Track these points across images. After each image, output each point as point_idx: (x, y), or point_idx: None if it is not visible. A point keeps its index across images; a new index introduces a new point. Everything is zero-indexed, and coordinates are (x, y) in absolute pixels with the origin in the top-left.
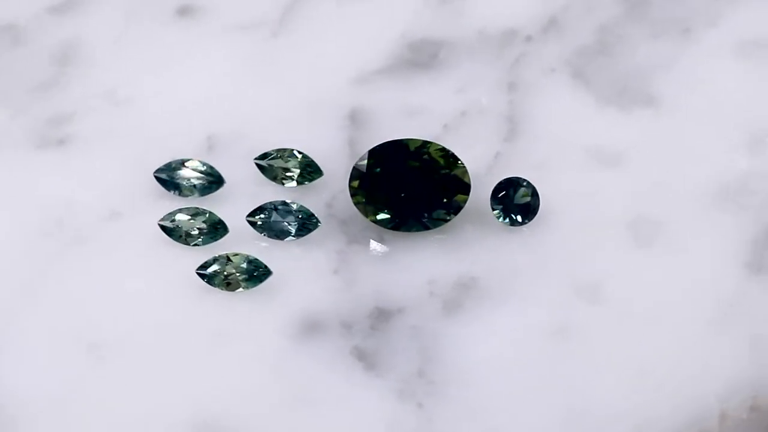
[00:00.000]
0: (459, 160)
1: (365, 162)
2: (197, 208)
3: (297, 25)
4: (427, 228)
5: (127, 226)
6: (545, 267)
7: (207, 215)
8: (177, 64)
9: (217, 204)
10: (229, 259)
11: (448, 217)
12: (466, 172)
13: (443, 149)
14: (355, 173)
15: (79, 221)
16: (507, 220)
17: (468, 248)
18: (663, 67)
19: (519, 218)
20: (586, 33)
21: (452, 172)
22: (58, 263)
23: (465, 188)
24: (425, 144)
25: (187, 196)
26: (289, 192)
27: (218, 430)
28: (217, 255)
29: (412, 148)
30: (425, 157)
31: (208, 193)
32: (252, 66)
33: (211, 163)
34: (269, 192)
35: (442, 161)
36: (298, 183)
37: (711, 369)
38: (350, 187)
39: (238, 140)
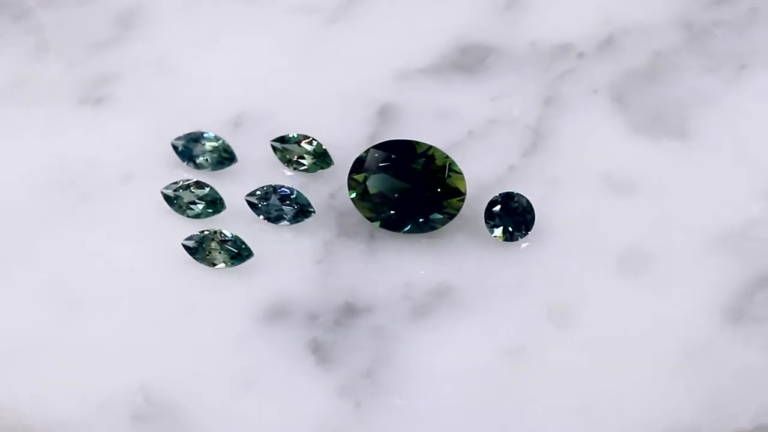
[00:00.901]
0: (459, 170)
1: (369, 156)
2: (200, 181)
3: (357, 15)
4: (417, 231)
5: (135, 191)
6: (524, 285)
7: (208, 189)
8: (230, 38)
9: (226, 179)
10: (215, 236)
11: (437, 224)
12: (463, 180)
13: (446, 156)
14: (357, 166)
15: (93, 180)
16: (499, 233)
17: (453, 256)
18: (706, 101)
19: (511, 233)
20: (640, 57)
21: (449, 180)
22: (60, 218)
23: (460, 196)
24: (430, 148)
25: (199, 168)
26: (298, 178)
27: (158, 398)
28: (206, 230)
29: (418, 150)
30: (427, 160)
31: (220, 168)
32: (302, 49)
33: (234, 140)
34: (278, 175)
35: (442, 167)
36: (309, 170)
37: (656, 416)
38: (349, 178)
39: (266, 120)
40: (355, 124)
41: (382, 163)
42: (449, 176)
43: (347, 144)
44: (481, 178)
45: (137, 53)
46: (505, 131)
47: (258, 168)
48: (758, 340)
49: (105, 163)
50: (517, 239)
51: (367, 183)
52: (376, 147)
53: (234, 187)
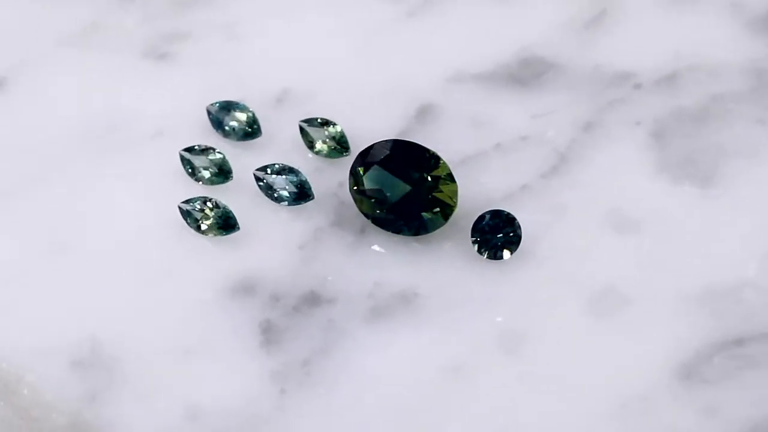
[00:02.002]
0: (454, 181)
1: (374, 150)
2: (214, 148)
3: (436, 12)
4: (406, 233)
5: (159, 149)
6: (488, 305)
7: (219, 158)
8: (304, 15)
9: (248, 151)
10: (206, 204)
11: (424, 229)
12: (455, 192)
13: (448, 168)
14: (361, 158)
15: (126, 131)
16: (482, 250)
17: (431, 264)
18: (745, 153)
19: (494, 251)
20: (696, 97)
21: (443, 186)
22: (79, 160)
23: (450, 206)
24: (436, 156)
25: (226, 137)
26: (315, 161)
27: (102, 351)
28: (203, 197)
29: (426, 155)
30: (428, 167)
31: (245, 140)
32: (369, 37)
33: (271, 115)
34: (297, 156)
35: (439, 176)
36: (327, 156)
37: None
38: (351, 170)
39: (307, 101)
40: (391, 118)
41: (384, 159)
42: (443, 184)
43: (375, 136)
44: (490, 192)
45: (212, 16)
46: (532, 150)
47: (282, 146)
48: (699, 403)
49: (143, 116)
50: (501, 258)
51: (365, 177)
52: (386, 143)
53: (252, 159)
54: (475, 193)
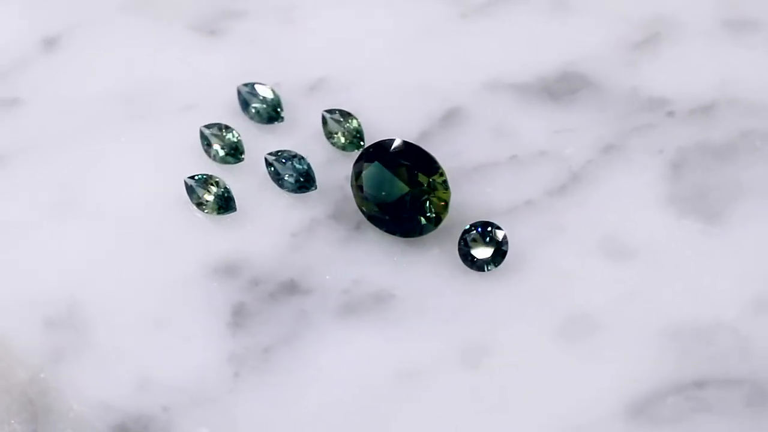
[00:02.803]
0: (448, 189)
1: (383, 148)
2: (231, 128)
3: (489, 17)
4: (396, 233)
5: (185, 123)
6: (459, 315)
7: (234, 138)
8: (361, 7)
9: (268, 134)
10: (208, 182)
11: (413, 233)
12: (447, 201)
13: (445, 181)
14: (365, 155)
15: (159, 102)
16: (467, 260)
17: (413, 267)
18: (758, 194)
19: (478, 263)
20: (726, 132)
21: (437, 196)
22: (107, 127)
23: (441, 215)
24: (438, 165)
25: (251, 119)
26: (329, 152)
27: (78, 313)
28: (209, 175)
29: (428, 160)
30: (427, 173)
31: (268, 123)
32: (418, 35)
33: (299, 102)
34: (315, 145)
35: (438, 182)
36: (341, 148)
37: None
38: (354, 164)
39: (339, 92)
40: (416, 118)
41: (386, 158)
42: (439, 191)
43: (397, 134)
44: (493, 203)
45: None
46: (547, 165)
47: (303, 134)
48: None
49: (179, 89)
50: (483, 270)
51: (364, 173)
52: (391, 142)
53: (270, 143)
54: (479, 202)
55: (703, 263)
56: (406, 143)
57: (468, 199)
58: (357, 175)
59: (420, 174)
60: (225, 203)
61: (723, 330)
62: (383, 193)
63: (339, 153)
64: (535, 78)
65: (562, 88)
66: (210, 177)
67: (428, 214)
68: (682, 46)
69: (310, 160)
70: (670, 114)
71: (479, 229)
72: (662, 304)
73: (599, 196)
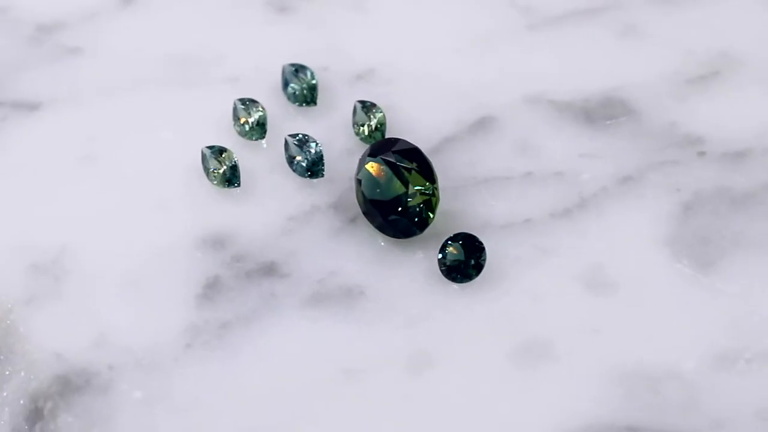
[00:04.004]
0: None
1: (389, 147)
2: (258, 103)
3: (554, 31)
4: (386, 232)
5: (226, 95)
6: (419, 322)
7: (260, 113)
8: (433, 4)
9: (300, 116)
10: (222, 155)
11: (400, 235)
12: (435, 207)
13: (436, 188)
14: (372, 150)
15: (207, 71)
16: (443, 269)
17: (392, 268)
18: (760, 249)
19: (453, 274)
20: (750, 181)
21: (431, 201)
22: (150, 88)
23: (428, 220)
24: (434, 176)
25: (288, 98)
26: (352, 142)
27: (62, 264)
28: (223, 146)
29: (429, 168)
30: (427, 179)
31: (301, 105)
32: (478, 41)
33: (342, 89)
34: (340, 133)
35: (433, 188)
36: (363, 140)
37: None
38: (361, 158)
39: (382, 85)
40: (447, 121)
41: (389, 157)
42: (432, 196)
43: (423, 134)
44: (493, 217)
45: None
46: (558, 187)
47: (333, 120)
48: None
49: (230, 60)
50: (457, 281)
51: (366, 168)
52: (400, 142)
53: (297, 125)
54: (479, 213)
55: (679, 310)
56: (410, 145)
57: (468, 209)
58: (359, 169)
59: (416, 177)
60: (231, 177)
61: (674, 380)
62: (378, 191)
63: (360, 144)
64: (577, 98)
65: (601, 112)
66: (224, 150)
67: (417, 218)
68: (737, 87)
69: (331, 148)
70: (701, 154)
71: (460, 241)
72: (623, 343)
73: (600, 225)
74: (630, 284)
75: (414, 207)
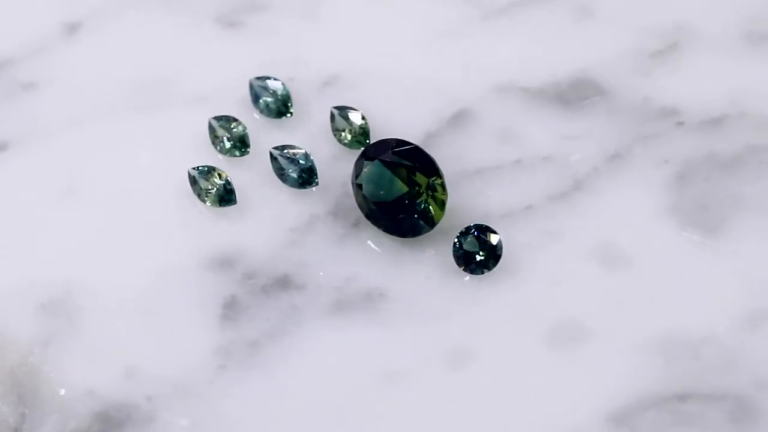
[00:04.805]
0: (445, 190)
1: (385, 147)
2: (238, 121)
3: (509, 20)
4: (393, 233)
5: (196, 114)
6: (445, 317)
7: (240, 130)
8: (383, 6)
9: (276, 129)
10: (210, 174)
11: (408, 233)
12: (444, 202)
13: (443, 183)
14: (367, 152)
15: (171, 92)
16: (460, 263)
17: (408, 268)
18: (760, 209)
19: (471, 266)
20: (733, 145)
21: (435, 197)
22: (117, 114)
23: (438, 216)
24: (437, 167)
25: (261, 113)
26: (334, 149)
27: (71, 300)
28: (211, 166)
29: (428, 162)
30: (428, 174)
31: (277, 117)
32: (436, 36)
33: (311, 98)
34: (321, 141)
35: (437, 184)
36: (347, 145)
37: None
38: (356, 161)
39: (351, 89)
40: (425, 118)
41: (387, 157)
42: (437, 192)
43: (403, 133)
44: (492, 207)
45: None
46: (551, 171)
47: (311, 129)
48: None
49: (192, 80)
50: (476, 273)
51: (364, 171)
52: (394, 142)
53: (277, 138)
54: (478, 204)
55: (698, 276)
56: (407, 143)
57: (467, 202)
58: (357, 173)
59: (419, 175)
60: (226, 195)
61: (711, 343)
62: (381, 192)
63: (344, 150)
64: (547, 83)
65: (573, 95)
66: (213, 168)
67: (425, 215)
68: (698, 57)
69: (315, 156)
70: (680, 125)
71: (474, 232)
72: (652, 314)
73: (600, 204)
74: (642, 257)
75: (421, 204)
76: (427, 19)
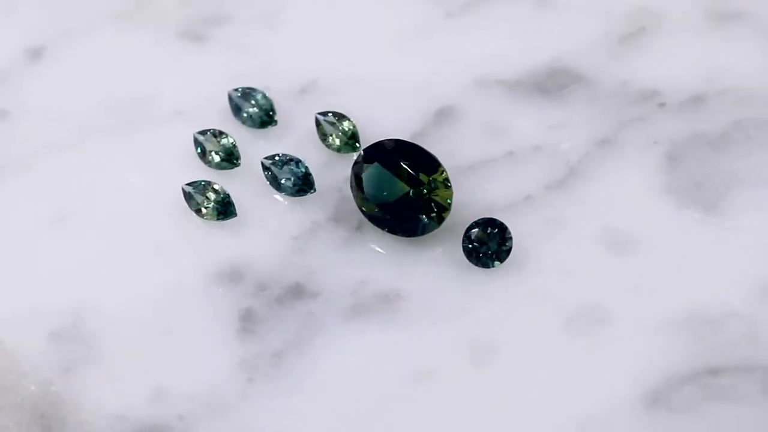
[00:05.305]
0: (450, 185)
1: (382, 149)
2: (225, 134)
3: (474, 16)
4: (399, 233)
5: (177, 130)
6: (464, 313)
7: (229, 143)
8: (346, 9)
9: (262, 139)
10: (207, 188)
11: (416, 232)
12: (450, 196)
13: (446, 179)
14: (364, 155)
15: (148, 110)
16: (471, 258)
17: (418, 267)
18: (756, 182)
19: (483, 260)
20: (718, 122)
21: (438, 190)
22: (97, 136)
23: (444, 211)
24: (438, 163)
25: (244, 124)
26: (324, 155)
27: (84, 325)
28: (205, 180)
29: (427, 158)
30: (427, 170)
31: (261, 128)
32: (405, 36)
33: (291, 106)
34: (309, 148)
35: (439, 180)
36: (337, 150)
37: None
38: (353, 165)
39: (330, 94)
40: (409, 117)
41: (385, 158)
42: (440, 188)
43: (391, 134)
44: (492, 200)
45: (260, 2)
46: (543, 161)
47: (297, 137)
48: (661, 431)
49: (167, 96)
50: (488, 267)
51: (365, 174)
52: (390, 142)
53: (265, 148)
54: (477, 199)
55: (706, 252)
56: (405, 142)
57: (466, 197)
58: (357, 176)
59: (420, 173)
60: (225, 209)
61: (731, 317)
62: (384, 194)
63: (334, 155)
64: (524, 74)
65: (552, 84)
66: (209, 183)
67: (431, 213)
68: (667, 38)
69: (305, 163)
70: (662, 106)
71: (483, 226)
72: (668, 293)
73: (598, 189)
74: (648, 238)
75: (428, 202)
76: (391, 19)
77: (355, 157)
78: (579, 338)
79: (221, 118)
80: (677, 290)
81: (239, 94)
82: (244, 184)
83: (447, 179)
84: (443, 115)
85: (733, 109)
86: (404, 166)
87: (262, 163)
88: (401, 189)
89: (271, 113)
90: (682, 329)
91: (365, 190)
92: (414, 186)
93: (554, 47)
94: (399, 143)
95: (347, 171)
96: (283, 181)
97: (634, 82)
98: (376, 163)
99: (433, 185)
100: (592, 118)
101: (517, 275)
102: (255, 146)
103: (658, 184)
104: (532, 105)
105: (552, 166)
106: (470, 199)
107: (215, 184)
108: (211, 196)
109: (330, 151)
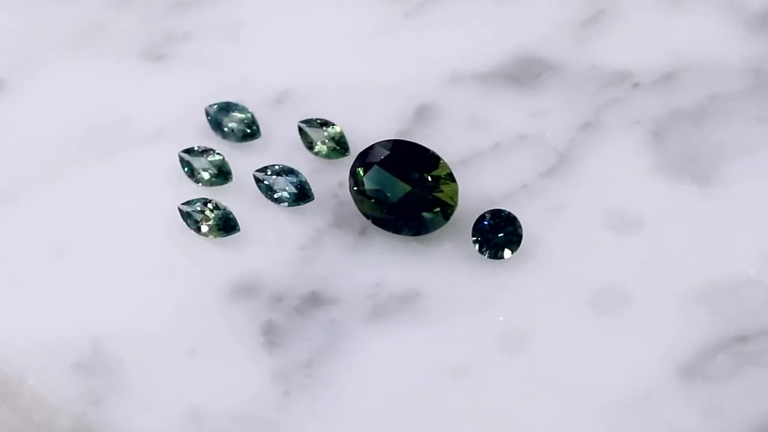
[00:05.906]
0: (454, 181)
1: (374, 150)
2: (212, 149)
3: (431, 13)
4: (407, 233)
5: (158, 151)
6: (488, 304)
7: (219, 159)
8: (306, 13)
9: (247, 153)
10: (207, 205)
11: (424, 229)
12: (455, 191)
13: (450, 174)
14: (361, 158)
15: (126, 134)
16: (483, 250)
17: (431, 264)
18: (744, 151)
19: (495, 251)
20: (694, 97)
21: (443, 186)
22: (79, 165)
23: (450, 206)
24: (438, 158)
25: (226, 138)
26: (313, 162)
27: (106, 352)
28: (203, 198)
29: (426, 155)
30: (428, 166)
31: (244, 141)
32: (368, 38)
33: (270, 117)
34: (296, 156)
35: (442, 176)
36: (325, 156)
37: None
38: (351, 170)
39: (306, 102)
40: (390, 118)
41: (384, 159)
42: (444, 184)
43: (374, 137)
44: (489, 192)
45: (212, 17)
46: (531, 150)
47: (281, 147)
48: (702, 401)
49: (142, 118)
50: (501, 257)
51: (365, 177)
52: (386, 143)
53: (251, 161)
54: (475, 193)
55: (709, 224)
56: (402, 142)
57: (463, 191)
58: (356, 180)
59: (424, 170)
60: (226, 224)
61: (748, 285)
62: (387, 195)
63: (323, 162)
64: (494, 67)
65: (524, 74)
66: (207, 200)
67: (436, 210)
68: (628, 20)
69: (299, 171)
70: (636, 86)
71: (491, 218)
72: (681, 268)
73: (591, 172)
74: (651, 215)
75: (433, 198)
76: (352, 23)
77: (349, 161)
78: (605, 318)
79: (201, 135)
80: (690, 264)
81: (216, 109)
82: (237, 199)
83: (451, 173)
84: (423, 114)
85: (705, 84)
86: (404, 165)
87: (255, 176)
88: (404, 188)
89: (254, 126)
90: (702, 301)
91: (368, 193)
92: (416, 184)
93: (518, 38)
94: (396, 143)
95: (338, 176)
96: (280, 192)
97: (604, 65)
98: (375, 166)
99: (436, 181)
100: (570, 103)
101: (530, 263)
102: (240, 160)
103: (648, 162)
104: (509, 96)
105: (541, 154)
106: (467, 193)
107: (213, 200)
108: (210, 213)
109: (317, 158)
